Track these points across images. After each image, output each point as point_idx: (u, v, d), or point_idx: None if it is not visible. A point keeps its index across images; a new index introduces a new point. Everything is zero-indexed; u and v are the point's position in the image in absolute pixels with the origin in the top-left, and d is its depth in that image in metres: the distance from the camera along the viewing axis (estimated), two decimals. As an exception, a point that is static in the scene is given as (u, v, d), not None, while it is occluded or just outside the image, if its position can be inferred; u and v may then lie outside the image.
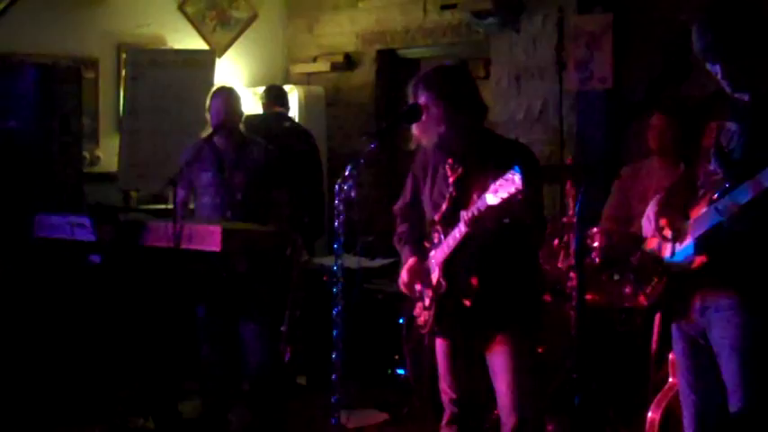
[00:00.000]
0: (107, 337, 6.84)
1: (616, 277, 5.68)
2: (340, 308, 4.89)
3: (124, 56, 9.24)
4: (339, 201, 4.83)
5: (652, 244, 4.23)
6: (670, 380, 5.03)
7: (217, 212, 6.49)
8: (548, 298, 5.80)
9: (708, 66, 3.84)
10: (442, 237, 4.55)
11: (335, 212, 4.90)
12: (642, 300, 4.23)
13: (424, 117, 4.55)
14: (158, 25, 9.53)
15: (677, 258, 3.96)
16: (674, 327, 4.16)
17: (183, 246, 6.01)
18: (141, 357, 6.75)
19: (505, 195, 4.03)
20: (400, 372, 6.77)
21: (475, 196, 4.27)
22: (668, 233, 4.03)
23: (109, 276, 6.72)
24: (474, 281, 4.51)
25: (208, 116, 6.63)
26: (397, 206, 4.99)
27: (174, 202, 6.29)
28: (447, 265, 4.54)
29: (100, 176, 8.97)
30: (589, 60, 7.42)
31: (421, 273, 4.69)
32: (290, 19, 10.27)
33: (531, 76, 7.96)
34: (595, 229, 5.85)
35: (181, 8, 9.66)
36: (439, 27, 8.96)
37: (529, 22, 7.95)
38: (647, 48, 7.18)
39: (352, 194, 4.81)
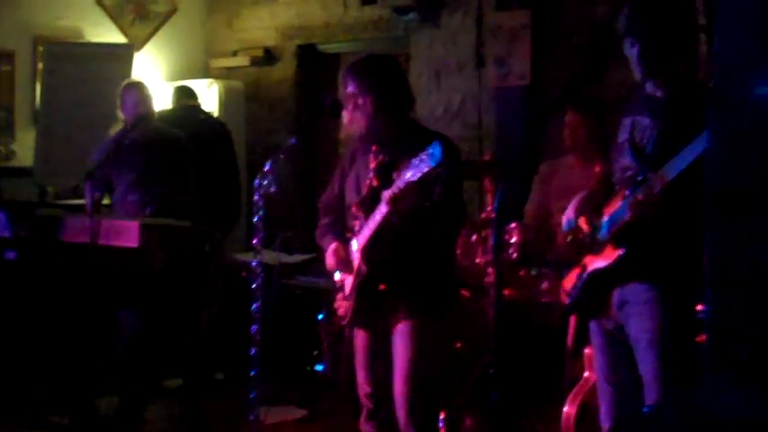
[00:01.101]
0: (23, 333, 6.75)
1: (533, 272, 5.72)
2: (259, 303, 4.88)
3: (41, 49, 9.12)
4: (258, 196, 4.82)
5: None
6: (585, 374, 5.08)
7: (142, 209, 6.48)
8: (466, 293, 5.83)
9: (626, 49, 3.92)
10: (364, 222, 4.54)
11: (254, 208, 4.88)
12: (564, 298, 4.27)
13: (351, 106, 4.56)
14: (76, 18, 9.41)
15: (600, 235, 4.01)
16: (592, 321, 4.21)
17: (101, 241, 5.96)
18: (58, 354, 6.67)
19: (425, 169, 4.03)
20: (319, 368, 6.76)
21: (395, 176, 4.27)
22: (586, 230, 4.08)
23: (25, 272, 6.63)
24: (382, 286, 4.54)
25: (120, 112, 6.61)
26: (322, 199, 4.97)
27: (89, 201, 6.25)
28: (367, 249, 4.53)
29: (15, 171, 8.86)
30: (508, 57, 7.46)
31: (344, 258, 4.68)
32: (210, 13, 10.20)
33: (450, 72, 7.99)
34: (513, 225, 5.89)
35: (99, 1, 9.55)
36: (359, 22, 8.96)
37: (449, 18, 7.98)
38: (566, 45, 7.24)
39: (272, 190, 4.80)
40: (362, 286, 4.57)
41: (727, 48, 2.72)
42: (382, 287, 4.53)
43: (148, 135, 6.60)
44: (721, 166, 2.75)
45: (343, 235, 4.73)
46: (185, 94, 8.58)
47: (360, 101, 4.55)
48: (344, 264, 4.66)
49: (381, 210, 4.36)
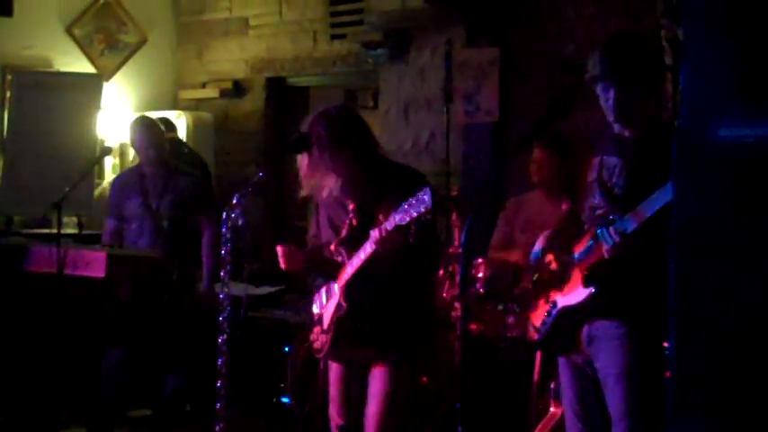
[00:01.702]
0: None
1: (500, 307, 5.75)
2: (225, 335, 4.88)
3: (9, 77, 9.10)
4: (226, 229, 4.83)
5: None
6: (551, 409, 5.11)
7: (143, 239, 6.50)
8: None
9: (599, 91, 3.96)
10: (346, 259, 4.58)
11: (222, 240, 4.89)
12: (533, 335, 4.30)
13: (321, 170, 4.55)
14: (45, 47, 9.41)
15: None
16: (561, 356, 4.24)
17: (67, 272, 5.94)
18: (22, 384, 6.63)
19: (414, 215, 4.09)
20: (285, 400, 6.75)
21: (381, 217, 4.32)
22: (554, 267, 4.12)
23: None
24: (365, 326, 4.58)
25: (132, 149, 6.68)
26: (311, 234, 5.02)
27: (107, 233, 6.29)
28: (348, 287, 4.57)
29: (-20, 200, 8.82)
30: (476, 93, 7.51)
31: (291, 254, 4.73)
32: (180, 44, 10.22)
33: (419, 108, 8.04)
34: (480, 260, 5.92)
35: (68, 30, 9.56)
36: (328, 56, 9.00)
37: (417, 54, 8.04)
38: (533, 82, 7.30)
39: (240, 222, 4.82)
40: (341, 321, 4.61)
41: (693, 89, 2.76)
42: (366, 328, 4.57)
43: (161, 169, 6.66)
44: (686, 207, 2.79)
45: (324, 257, 4.77)
46: (166, 127, 8.59)
47: (325, 157, 4.53)
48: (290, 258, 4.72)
49: (366, 250, 4.40)
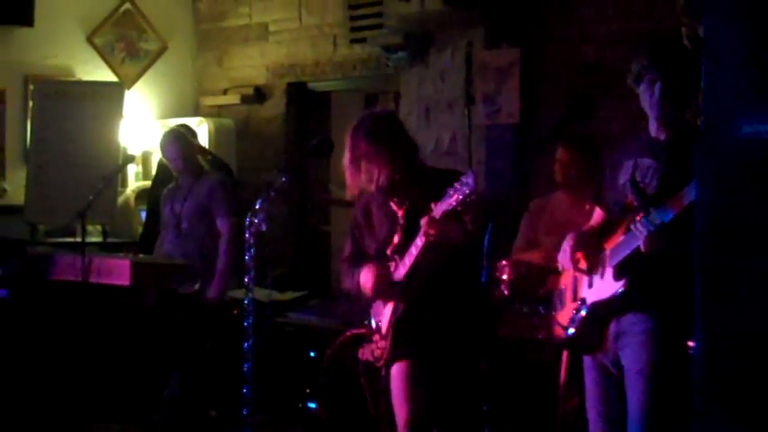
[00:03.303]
0: (14, 372, 6.73)
1: (525, 309, 5.74)
2: (251, 341, 4.89)
3: (32, 87, 9.15)
4: (250, 234, 4.84)
5: (566, 280, 4.32)
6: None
7: (166, 240, 6.62)
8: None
9: (643, 88, 4.00)
10: (400, 263, 4.67)
11: (246, 246, 4.90)
12: (560, 333, 4.30)
13: (365, 164, 4.64)
14: (66, 56, 9.45)
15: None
16: (586, 356, 4.23)
17: (92, 280, 5.97)
18: (50, 393, 6.65)
19: (460, 197, 4.21)
20: (311, 405, 6.75)
21: (432, 205, 4.39)
22: (583, 265, 4.12)
23: (16, 311, 6.63)
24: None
25: (164, 159, 6.82)
26: (346, 256, 5.04)
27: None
28: (403, 287, 4.64)
29: (6, 209, 8.87)
30: (497, 95, 7.50)
31: (383, 277, 4.73)
32: (200, 51, 10.24)
33: (440, 110, 8.03)
34: (504, 262, 5.90)
35: (89, 40, 9.60)
36: (349, 61, 9.00)
37: (438, 57, 8.02)
38: (555, 83, 7.28)
39: (263, 228, 4.83)
40: (399, 323, 4.68)
41: (715, 86, 2.75)
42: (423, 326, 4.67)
43: (191, 175, 6.76)
44: (709, 203, 2.78)
45: None
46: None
47: (372, 157, 4.67)
48: (382, 285, 4.73)
49: (417, 243, 4.50)
